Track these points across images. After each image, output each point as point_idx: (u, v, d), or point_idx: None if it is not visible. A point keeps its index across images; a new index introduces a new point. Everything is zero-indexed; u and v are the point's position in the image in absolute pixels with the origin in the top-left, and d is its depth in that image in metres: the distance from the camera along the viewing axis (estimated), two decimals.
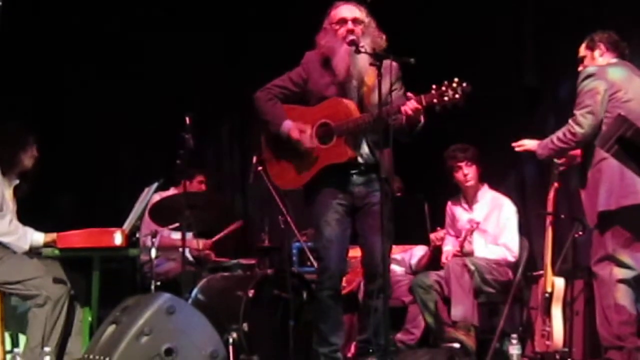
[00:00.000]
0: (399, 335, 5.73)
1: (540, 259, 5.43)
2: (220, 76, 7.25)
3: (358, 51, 4.24)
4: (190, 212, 5.24)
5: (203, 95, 7.05)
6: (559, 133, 4.54)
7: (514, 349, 4.45)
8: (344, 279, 5.64)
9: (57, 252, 4.71)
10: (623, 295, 4.38)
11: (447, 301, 5.48)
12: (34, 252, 4.73)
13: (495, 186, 5.85)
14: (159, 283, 5.48)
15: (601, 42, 4.63)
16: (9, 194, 4.84)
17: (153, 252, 5.44)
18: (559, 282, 5.05)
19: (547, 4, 6.27)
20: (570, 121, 4.48)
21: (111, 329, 4.12)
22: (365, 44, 4.34)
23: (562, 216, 5.22)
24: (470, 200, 5.71)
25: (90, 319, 4.82)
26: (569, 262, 5.09)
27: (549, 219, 5.13)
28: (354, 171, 4.49)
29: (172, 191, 6.18)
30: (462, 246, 5.54)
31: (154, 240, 5.47)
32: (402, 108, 4.22)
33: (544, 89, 6.37)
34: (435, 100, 4.15)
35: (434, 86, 4.17)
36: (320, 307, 4.51)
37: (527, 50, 6.48)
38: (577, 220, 4.91)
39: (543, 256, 5.15)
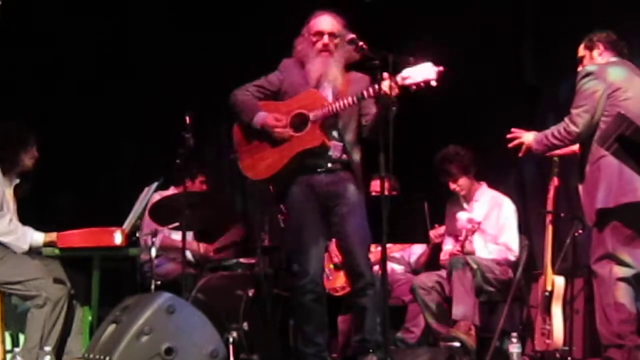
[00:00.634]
0: (398, 334, 5.72)
1: (540, 257, 5.43)
2: (220, 75, 7.24)
3: (358, 49, 4.26)
4: (190, 211, 5.23)
5: (203, 94, 7.04)
6: (554, 130, 4.54)
7: (514, 348, 4.46)
8: (342, 280, 5.68)
9: (57, 251, 4.71)
10: (623, 294, 4.38)
11: (448, 301, 5.49)
12: (34, 251, 4.73)
13: (495, 185, 5.85)
14: (159, 282, 5.48)
15: (600, 41, 4.64)
16: (9, 193, 4.84)
17: (153, 252, 5.44)
18: (559, 281, 5.05)
19: (547, 3, 6.28)
20: (566, 119, 4.49)
21: (111, 328, 4.12)
22: (339, 56, 4.51)
23: (562, 215, 5.22)
24: (469, 200, 5.71)
25: (90, 318, 4.82)
26: (569, 261, 5.08)
27: (548, 218, 5.13)
28: (323, 170, 4.54)
29: (172, 190, 6.18)
30: (462, 246, 5.54)
31: (154, 239, 5.47)
32: (378, 86, 4.26)
33: (544, 88, 6.37)
34: (409, 80, 4.19)
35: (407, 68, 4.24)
36: (303, 311, 4.54)
37: (527, 49, 6.48)
38: (577, 218, 4.91)
39: (543, 255, 5.16)
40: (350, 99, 4.42)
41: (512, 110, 6.33)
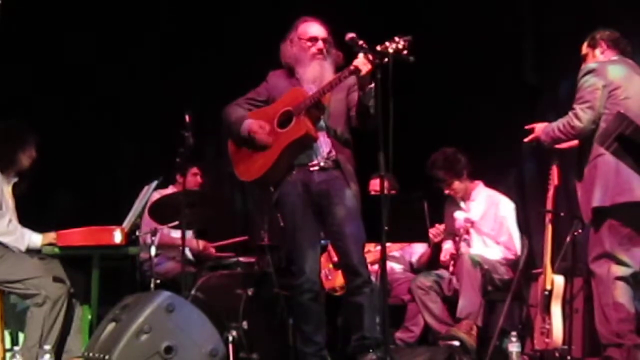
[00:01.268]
0: (398, 333, 5.72)
1: (539, 256, 5.43)
2: (220, 74, 7.24)
3: (358, 48, 4.27)
4: (190, 210, 5.24)
5: (203, 93, 7.04)
6: (559, 123, 4.56)
7: (514, 347, 4.46)
8: (342, 280, 5.67)
9: (57, 250, 4.72)
10: (621, 293, 4.38)
11: (447, 301, 5.49)
12: (34, 250, 4.73)
13: (495, 185, 5.85)
14: (158, 281, 5.48)
15: (602, 40, 4.65)
16: (7, 192, 4.84)
17: (153, 250, 5.44)
18: (559, 280, 5.05)
19: (547, 3, 6.27)
20: (570, 113, 4.50)
21: (111, 327, 4.12)
22: (330, 59, 4.60)
23: (562, 214, 5.22)
24: (465, 200, 5.72)
25: (89, 317, 4.83)
26: (568, 260, 5.08)
27: (548, 217, 5.13)
28: (316, 168, 4.56)
29: (171, 189, 6.18)
30: (457, 248, 5.54)
31: (153, 238, 5.47)
32: (353, 63, 4.31)
33: (544, 87, 6.37)
34: (380, 52, 4.18)
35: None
36: (301, 310, 4.55)
37: (527, 48, 6.48)
38: (577, 218, 4.91)
39: (543, 254, 5.15)
40: (327, 83, 4.46)
41: (512, 110, 6.33)
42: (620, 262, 4.41)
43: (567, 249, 5.04)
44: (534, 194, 6.18)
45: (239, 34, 7.30)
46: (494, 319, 5.47)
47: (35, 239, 4.73)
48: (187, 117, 4.97)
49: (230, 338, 4.95)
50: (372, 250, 5.44)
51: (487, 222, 5.60)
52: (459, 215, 5.70)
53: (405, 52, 4.14)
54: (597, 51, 4.66)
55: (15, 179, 4.91)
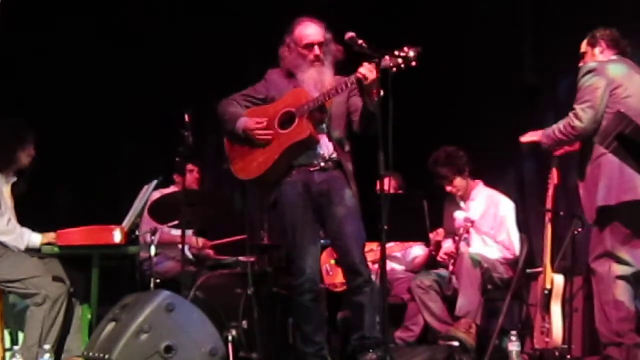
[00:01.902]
0: (398, 333, 5.72)
1: (539, 255, 5.43)
2: (220, 74, 7.24)
3: (358, 47, 4.27)
4: (190, 209, 5.23)
5: (202, 92, 7.04)
6: (560, 125, 4.54)
7: (513, 346, 4.45)
8: (342, 276, 5.66)
9: (56, 249, 4.72)
10: (622, 292, 4.38)
11: (446, 300, 5.49)
12: (33, 249, 4.73)
13: (494, 184, 5.85)
14: (158, 280, 5.48)
15: (602, 39, 4.64)
16: (7, 191, 4.84)
17: (152, 250, 5.44)
18: (558, 279, 5.05)
19: (546, 2, 6.27)
20: (570, 114, 4.49)
21: (110, 326, 4.13)
22: (329, 62, 4.57)
23: (561, 213, 5.22)
24: (465, 199, 5.72)
25: (89, 316, 4.82)
26: (568, 259, 5.08)
27: (548, 216, 5.13)
28: (316, 169, 4.56)
29: (171, 188, 6.18)
30: (457, 248, 5.54)
31: (153, 237, 5.47)
32: (358, 71, 4.30)
33: (543, 87, 6.37)
34: (387, 61, 4.18)
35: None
36: (302, 310, 4.55)
37: (527, 48, 6.48)
38: (576, 217, 4.91)
39: (542, 253, 5.15)
40: (332, 88, 4.45)
41: (512, 110, 6.34)
42: (621, 261, 4.41)
43: (566, 248, 5.04)
44: (534, 193, 6.18)
45: (239, 34, 7.30)
46: (494, 319, 5.46)
47: (35, 239, 4.73)
48: (186, 117, 4.97)
49: (230, 337, 4.94)
50: (374, 249, 5.44)
51: (487, 222, 5.60)
52: (458, 215, 5.70)
53: (414, 63, 4.13)
54: (597, 50, 4.65)
55: (15, 178, 4.90)
